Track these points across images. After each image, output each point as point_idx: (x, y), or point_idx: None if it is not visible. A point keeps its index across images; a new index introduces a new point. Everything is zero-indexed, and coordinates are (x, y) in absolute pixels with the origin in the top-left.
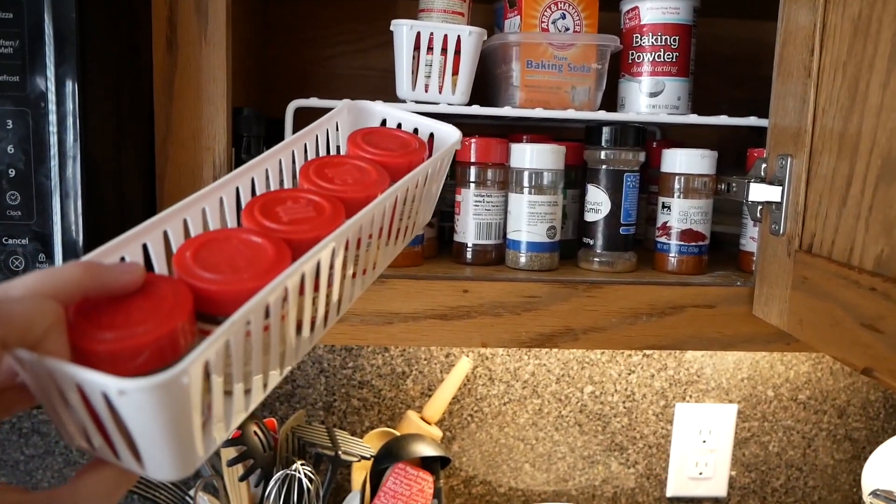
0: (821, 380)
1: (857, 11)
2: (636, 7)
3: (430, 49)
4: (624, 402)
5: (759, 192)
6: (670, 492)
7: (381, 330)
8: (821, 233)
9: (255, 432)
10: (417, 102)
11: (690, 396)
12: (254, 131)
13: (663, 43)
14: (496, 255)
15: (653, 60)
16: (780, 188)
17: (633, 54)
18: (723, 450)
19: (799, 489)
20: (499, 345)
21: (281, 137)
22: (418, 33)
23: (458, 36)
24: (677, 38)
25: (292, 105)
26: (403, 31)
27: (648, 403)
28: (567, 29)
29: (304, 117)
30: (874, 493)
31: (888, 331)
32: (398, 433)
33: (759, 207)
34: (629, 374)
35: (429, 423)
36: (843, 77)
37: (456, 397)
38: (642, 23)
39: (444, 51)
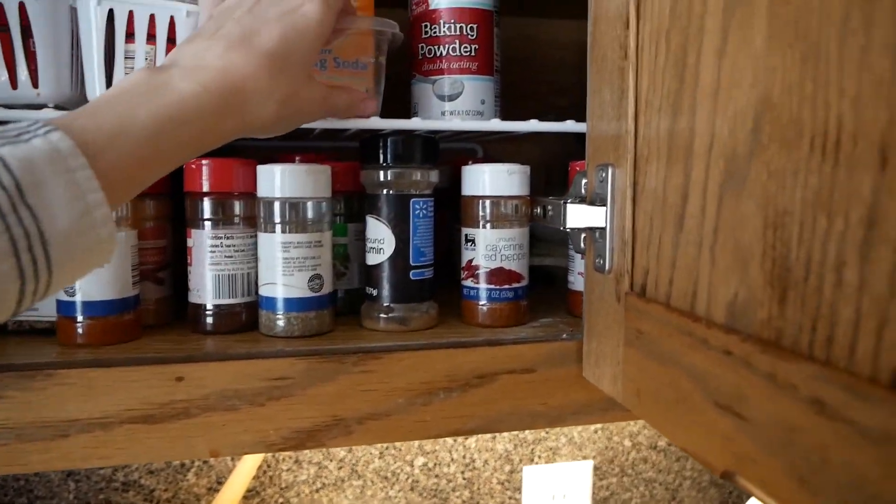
0: None
1: None
2: None
3: (129, 36)
4: (463, 473)
5: (578, 216)
6: None
7: (51, 447)
8: (655, 268)
9: None
10: None
11: (539, 457)
12: None
13: (458, 32)
14: (248, 317)
15: (447, 55)
16: (604, 209)
17: (423, 48)
18: None
19: None
20: (236, 451)
21: None
22: (111, 11)
23: (172, 17)
24: (475, 26)
25: None
26: (90, 6)
27: (492, 471)
28: None
29: None
30: None
31: (753, 417)
32: None
33: (583, 235)
34: (466, 439)
35: None
36: (668, 50)
37: (254, 489)
38: (431, 7)
39: (151, 37)
